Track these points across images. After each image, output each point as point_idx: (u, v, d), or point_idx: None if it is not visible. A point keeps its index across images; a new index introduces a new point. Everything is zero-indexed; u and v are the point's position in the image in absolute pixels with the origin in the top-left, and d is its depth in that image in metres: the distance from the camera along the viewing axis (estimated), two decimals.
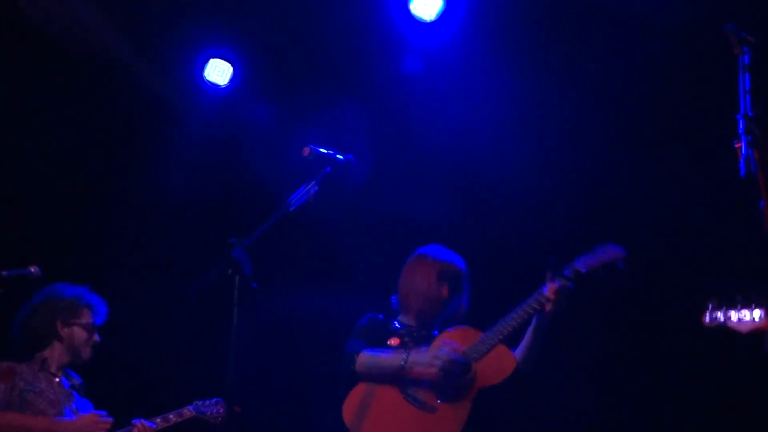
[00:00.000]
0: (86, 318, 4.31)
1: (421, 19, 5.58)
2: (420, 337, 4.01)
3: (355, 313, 4.16)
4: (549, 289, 3.69)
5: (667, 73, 5.33)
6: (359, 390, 3.84)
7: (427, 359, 3.73)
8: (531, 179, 5.85)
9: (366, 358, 3.79)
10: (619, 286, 5.57)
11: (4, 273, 3.81)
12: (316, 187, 3.41)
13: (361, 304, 4.24)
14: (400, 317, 4.12)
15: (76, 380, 4.36)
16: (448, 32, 5.64)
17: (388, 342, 3.94)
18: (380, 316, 4.12)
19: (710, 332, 3.28)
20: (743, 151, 2.62)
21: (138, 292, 5.69)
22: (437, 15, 5.56)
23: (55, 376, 4.24)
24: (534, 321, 3.80)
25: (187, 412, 4.28)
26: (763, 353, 2.71)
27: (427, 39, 5.70)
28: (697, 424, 5.13)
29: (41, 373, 4.20)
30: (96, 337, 4.33)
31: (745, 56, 2.86)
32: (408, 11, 5.57)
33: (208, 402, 4.31)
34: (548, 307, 3.71)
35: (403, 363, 3.73)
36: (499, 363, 3.73)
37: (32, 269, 3.95)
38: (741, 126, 2.67)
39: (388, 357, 3.80)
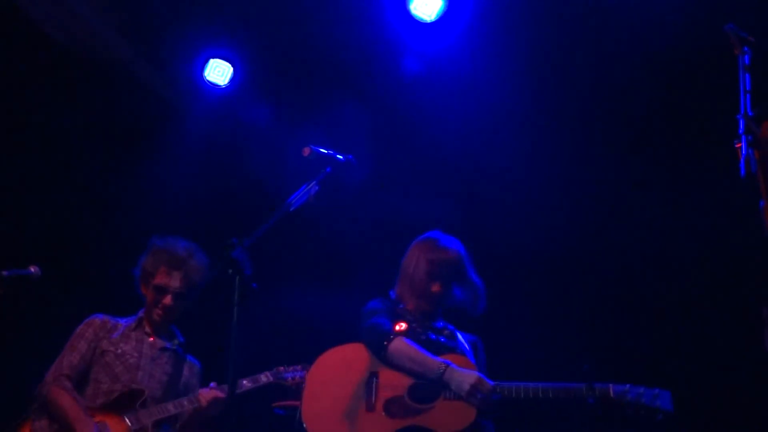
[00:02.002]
0: (159, 279, 4.24)
1: (422, 19, 5.58)
2: (425, 326, 4.04)
3: (355, 313, 4.16)
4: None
5: (667, 73, 5.33)
6: (340, 352, 3.90)
7: (466, 375, 3.69)
8: (531, 179, 5.86)
9: (404, 345, 3.79)
10: (617, 287, 5.58)
11: (4, 273, 3.82)
12: (317, 187, 3.41)
13: (361, 304, 4.23)
14: (402, 305, 4.14)
15: (178, 339, 4.37)
16: (448, 32, 5.64)
17: (395, 327, 3.95)
18: (385, 301, 4.13)
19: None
20: (743, 151, 2.61)
21: (138, 292, 5.68)
22: (437, 15, 5.56)
23: (149, 335, 4.28)
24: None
25: (264, 378, 4.25)
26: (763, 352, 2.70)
27: (427, 39, 5.70)
28: (697, 423, 5.13)
29: (135, 333, 4.26)
30: (166, 300, 4.23)
31: (746, 56, 2.85)
32: (408, 12, 5.57)
33: (291, 368, 4.29)
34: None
35: (441, 371, 3.71)
36: (455, 415, 3.68)
37: (32, 269, 3.96)
38: (741, 126, 2.67)
39: (428, 357, 3.78)
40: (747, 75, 2.81)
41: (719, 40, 2.96)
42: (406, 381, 3.78)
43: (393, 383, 3.78)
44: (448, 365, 3.72)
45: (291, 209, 3.34)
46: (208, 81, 6.06)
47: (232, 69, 6.05)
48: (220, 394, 4.08)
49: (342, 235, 6.00)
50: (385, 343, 3.80)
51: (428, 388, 3.75)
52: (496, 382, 3.70)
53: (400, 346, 3.80)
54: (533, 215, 5.83)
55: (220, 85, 6.07)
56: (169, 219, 6.12)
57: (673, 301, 5.36)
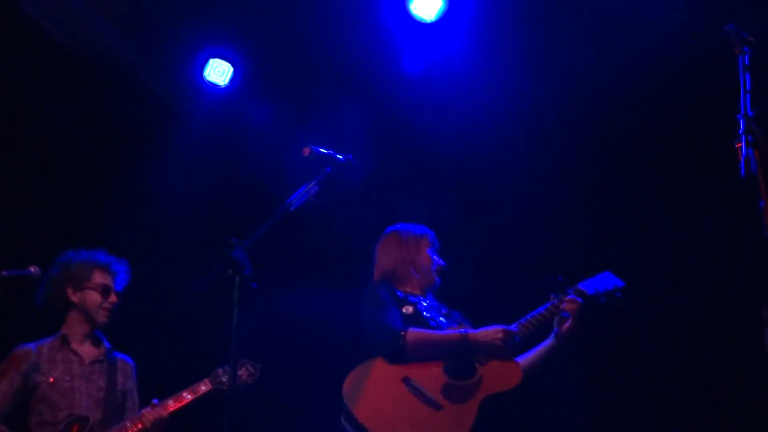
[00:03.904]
0: (98, 279, 4.20)
1: (422, 19, 5.58)
2: (430, 305, 4.08)
3: (354, 312, 4.15)
4: (568, 304, 3.85)
5: (668, 73, 5.33)
6: (363, 372, 3.84)
7: (489, 330, 3.79)
8: (531, 179, 5.86)
9: (418, 335, 3.80)
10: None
11: (4, 273, 3.80)
12: (316, 187, 3.40)
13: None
14: (400, 291, 4.13)
15: (105, 346, 4.26)
16: (448, 33, 5.64)
17: (402, 310, 3.96)
18: (388, 287, 4.13)
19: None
20: (743, 151, 2.61)
21: (138, 292, 5.68)
22: (437, 16, 5.56)
23: (76, 353, 4.16)
24: (551, 339, 3.92)
25: (203, 387, 4.13)
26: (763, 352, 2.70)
27: (427, 39, 5.70)
28: (697, 423, 5.13)
29: (60, 353, 4.14)
30: (112, 299, 4.19)
31: (746, 56, 2.86)
32: (408, 12, 5.57)
33: (228, 368, 4.11)
34: (566, 325, 3.84)
35: (464, 332, 3.81)
36: (506, 372, 3.75)
37: (32, 269, 3.93)
38: (741, 126, 2.67)
39: (443, 334, 3.84)
40: (747, 75, 2.81)
41: (719, 40, 2.97)
42: (436, 368, 3.77)
43: (430, 376, 3.76)
44: (464, 333, 3.80)
45: (291, 209, 3.34)
46: (208, 81, 6.06)
47: (232, 69, 6.05)
48: (164, 414, 4.03)
49: (342, 235, 6.00)
50: (401, 343, 3.78)
51: (459, 362, 3.77)
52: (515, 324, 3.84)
53: (414, 338, 3.79)
54: (533, 215, 5.83)
55: (220, 85, 6.07)
56: (169, 219, 6.13)
57: (672, 302, 5.36)
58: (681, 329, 5.30)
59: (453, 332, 3.84)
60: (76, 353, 4.17)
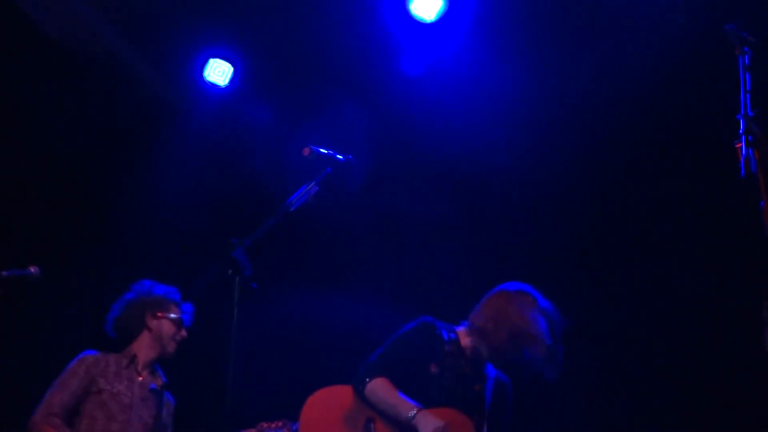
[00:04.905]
0: (175, 313, 4.43)
1: (421, 19, 5.59)
2: (464, 372, 3.93)
3: (354, 312, 4.16)
4: None
5: (668, 73, 5.33)
6: (331, 394, 3.85)
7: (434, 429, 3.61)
8: (531, 179, 5.86)
9: (378, 390, 3.75)
10: (617, 288, 5.59)
11: (4, 273, 3.81)
12: (316, 188, 3.40)
13: (361, 304, 4.23)
14: (463, 334, 3.98)
15: (162, 380, 4.43)
16: (448, 33, 5.64)
17: (430, 366, 3.86)
18: (435, 323, 3.97)
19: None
20: (743, 151, 2.61)
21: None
22: (437, 16, 5.56)
23: (140, 374, 4.33)
24: None
25: None
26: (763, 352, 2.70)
27: (427, 40, 5.70)
28: (697, 423, 5.13)
29: (126, 371, 4.29)
30: (183, 333, 4.43)
31: (746, 56, 2.86)
32: (408, 12, 5.58)
33: (274, 424, 4.29)
34: None
35: (411, 415, 3.66)
36: None
37: (32, 269, 3.95)
38: (741, 126, 2.67)
39: (404, 400, 3.72)
40: (747, 75, 2.81)
41: (719, 40, 2.96)
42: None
43: (390, 426, 3.71)
44: (413, 416, 3.64)
45: (291, 209, 3.33)
46: (208, 81, 6.06)
47: (232, 69, 6.06)
48: None
49: (342, 235, 6.00)
50: (361, 387, 3.77)
51: None
52: None
53: (374, 391, 3.75)
54: (533, 214, 5.83)
55: (220, 85, 6.07)
56: (169, 219, 6.13)
57: (673, 302, 5.36)
58: (681, 329, 5.30)
59: (407, 406, 3.68)
60: (140, 374, 4.35)
